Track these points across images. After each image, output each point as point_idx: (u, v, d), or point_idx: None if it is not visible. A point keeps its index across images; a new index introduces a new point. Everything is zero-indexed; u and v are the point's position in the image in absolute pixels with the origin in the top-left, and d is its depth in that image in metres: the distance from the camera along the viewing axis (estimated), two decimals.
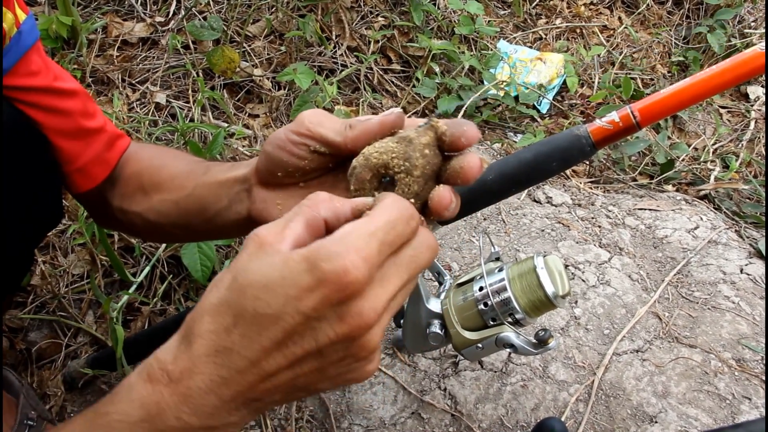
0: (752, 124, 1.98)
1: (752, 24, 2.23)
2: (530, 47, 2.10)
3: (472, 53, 1.92)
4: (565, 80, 1.98)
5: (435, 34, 1.94)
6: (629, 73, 2.06)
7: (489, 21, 2.08)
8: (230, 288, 0.42)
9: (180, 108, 1.54)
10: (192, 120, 1.52)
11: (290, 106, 1.66)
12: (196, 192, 0.68)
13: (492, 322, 0.79)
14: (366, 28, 1.89)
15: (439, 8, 1.96)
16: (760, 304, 1.23)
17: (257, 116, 1.66)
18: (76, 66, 1.57)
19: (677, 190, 1.66)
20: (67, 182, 0.75)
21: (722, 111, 2.08)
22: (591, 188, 1.62)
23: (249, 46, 1.76)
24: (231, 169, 0.67)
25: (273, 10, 1.81)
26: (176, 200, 0.70)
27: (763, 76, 2.07)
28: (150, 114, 1.55)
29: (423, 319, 0.84)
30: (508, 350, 0.79)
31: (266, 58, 1.76)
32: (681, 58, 2.18)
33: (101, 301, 1.07)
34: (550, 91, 1.94)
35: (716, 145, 1.87)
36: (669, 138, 1.84)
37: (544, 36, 2.17)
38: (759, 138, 1.93)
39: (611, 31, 2.22)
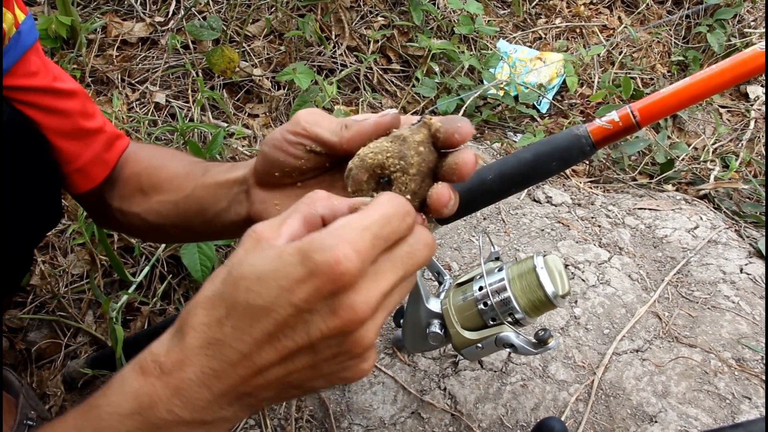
0: (752, 123, 1.98)
1: (752, 23, 2.23)
2: (530, 47, 2.10)
3: (471, 53, 1.92)
4: (564, 80, 1.98)
5: (435, 34, 1.94)
6: (629, 73, 2.06)
7: (489, 21, 2.08)
8: (224, 281, 0.42)
9: (179, 108, 1.54)
10: (191, 120, 1.52)
11: (290, 105, 1.66)
12: (195, 193, 0.68)
13: (492, 322, 0.79)
14: (365, 28, 1.89)
15: (438, 8, 1.96)
16: (760, 303, 1.23)
17: (257, 116, 1.66)
18: (75, 66, 1.57)
19: (677, 190, 1.66)
20: (66, 182, 0.75)
21: (722, 110, 2.08)
22: (591, 188, 1.62)
23: (248, 45, 1.76)
24: (229, 170, 0.67)
25: (272, 9, 1.81)
26: (175, 201, 0.70)
27: (763, 75, 2.07)
28: (149, 114, 1.55)
29: (423, 319, 0.84)
30: (507, 350, 0.79)
31: (266, 57, 1.76)
32: (681, 58, 2.18)
33: (101, 301, 1.07)
34: (550, 91, 1.94)
35: (716, 145, 1.87)
36: (669, 137, 1.84)
37: (543, 35, 2.17)
38: (759, 137, 1.93)
39: (611, 31, 2.22)
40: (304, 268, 0.39)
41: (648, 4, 2.28)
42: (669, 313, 1.20)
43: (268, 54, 1.76)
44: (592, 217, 1.45)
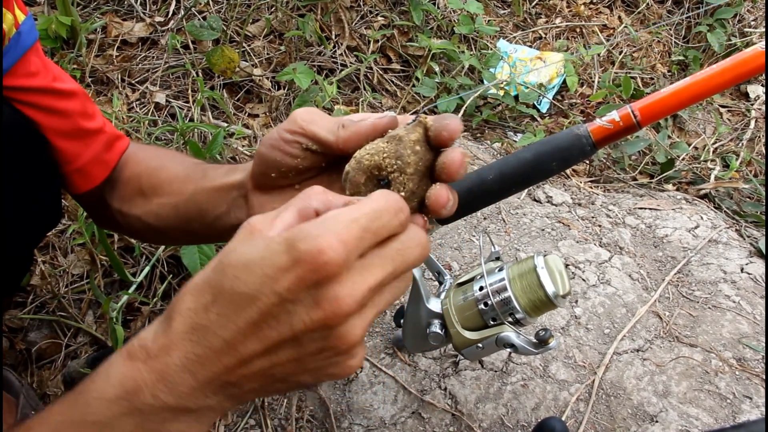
0: (752, 123, 1.98)
1: (752, 23, 2.23)
2: (530, 46, 2.10)
3: (471, 53, 1.92)
4: (565, 79, 1.98)
5: (435, 34, 1.94)
6: (629, 73, 2.05)
7: (489, 20, 2.08)
8: (214, 269, 0.42)
9: (179, 108, 1.54)
10: (192, 120, 1.52)
11: (290, 105, 1.66)
12: (194, 197, 0.68)
13: (492, 322, 0.79)
14: (365, 28, 1.89)
15: (438, 8, 1.96)
16: (760, 303, 1.23)
17: (257, 116, 1.66)
18: (75, 66, 1.57)
19: (677, 190, 1.66)
20: (66, 183, 0.75)
21: (722, 110, 2.08)
22: (591, 187, 1.62)
23: (248, 45, 1.76)
24: (228, 173, 0.67)
25: (272, 9, 1.80)
26: (175, 204, 0.70)
27: (764, 75, 2.07)
28: (149, 114, 1.55)
29: (423, 319, 0.84)
30: (508, 350, 0.79)
31: (266, 57, 1.76)
32: (681, 57, 2.18)
33: (101, 301, 1.07)
34: (550, 91, 1.94)
35: (716, 144, 1.87)
36: (669, 137, 1.84)
37: (543, 35, 2.17)
38: (759, 137, 1.93)
39: (611, 31, 2.22)
40: (289, 256, 0.39)
41: (648, 4, 2.27)
42: (669, 313, 1.20)
43: (268, 54, 1.76)
44: (593, 217, 1.45)
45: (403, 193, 0.49)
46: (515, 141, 1.75)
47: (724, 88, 0.66)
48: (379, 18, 1.91)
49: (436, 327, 0.82)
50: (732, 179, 1.66)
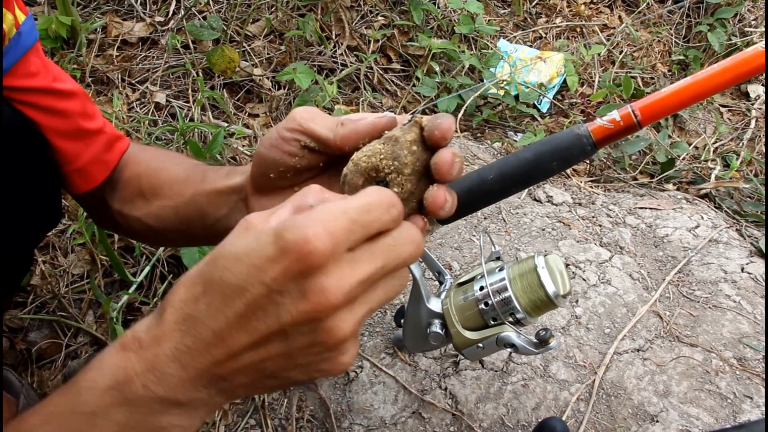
0: (753, 122, 1.98)
1: (752, 22, 2.23)
2: (530, 46, 2.10)
3: (472, 52, 1.92)
4: (565, 79, 1.98)
5: (435, 34, 1.94)
6: (629, 72, 2.05)
7: (489, 20, 2.08)
8: (207, 261, 0.43)
9: (180, 108, 1.54)
10: (192, 120, 1.52)
11: (290, 105, 1.66)
12: (194, 200, 0.69)
13: (493, 322, 0.79)
14: (366, 28, 1.89)
15: (438, 7, 1.96)
16: (761, 303, 1.23)
17: (257, 116, 1.66)
18: (75, 66, 1.57)
19: (678, 189, 1.66)
20: (66, 183, 0.75)
21: (723, 110, 2.08)
22: (591, 187, 1.62)
23: (249, 45, 1.76)
24: (227, 176, 0.67)
25: (273, 9, 1.80)
26: (175, 206, 0.70)
27: (764, 74, 2.07)
28: (150, 114, 1.55)
29: (423, 319, 0.83)
30: (508, 350, 0.79)
31: (266, 57, 1.75)
32: (681, 57, 2.18)
33: (101, 301, 1.07)
34: (551, 90, 1.93)
35: (717, 144, 1.87)
36: (669, 137, 1.84)
37: (544, 35, 2.17)
38: (759, 137, 1.93)
39: (611, 30, 2.22)
40: (275, 246, 0.39)
41: (648, 4, 2.27)
42: (670, 313, 1.20)
43: (268, 54, 1.76)
44: (593, 217, 1.45)
45: (402, 194, 0.49)
46: (515, 141, 1.75)
47: (725, 88, 0.66)
48: (380, 18, 1.91)
49: (436, 327, 0.82)
50: (732, 179, 1.66)
